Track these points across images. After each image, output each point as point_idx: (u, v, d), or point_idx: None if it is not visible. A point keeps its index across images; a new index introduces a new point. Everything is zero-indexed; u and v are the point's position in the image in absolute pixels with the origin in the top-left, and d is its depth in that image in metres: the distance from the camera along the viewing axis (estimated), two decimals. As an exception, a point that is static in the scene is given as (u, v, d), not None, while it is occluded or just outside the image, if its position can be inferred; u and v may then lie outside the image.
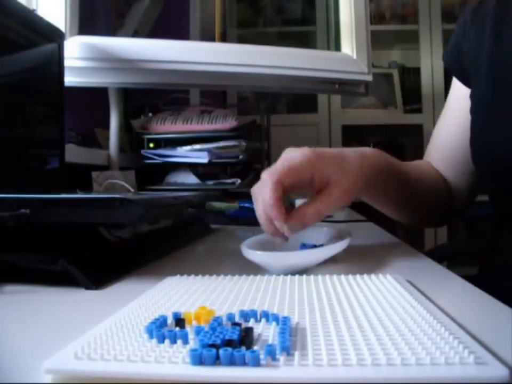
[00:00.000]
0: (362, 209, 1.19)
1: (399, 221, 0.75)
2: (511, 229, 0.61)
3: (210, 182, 1.29)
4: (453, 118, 0.73)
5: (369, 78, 1.22)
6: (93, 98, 1.25)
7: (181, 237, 0.70)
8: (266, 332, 0.28)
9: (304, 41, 2.35)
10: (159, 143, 1.33)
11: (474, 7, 0.68)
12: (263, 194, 0.50)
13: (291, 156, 0.52)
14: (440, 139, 0.76)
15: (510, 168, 0.57)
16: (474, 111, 0.65)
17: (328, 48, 1.73)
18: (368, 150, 0.59)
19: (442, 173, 0.74)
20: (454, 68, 0.72)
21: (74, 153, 1.02)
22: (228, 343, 0.24)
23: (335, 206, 0.53)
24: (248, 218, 0.99)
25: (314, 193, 0.53)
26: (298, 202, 1.20)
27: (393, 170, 0.63)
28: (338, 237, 0.55)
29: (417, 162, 0.76)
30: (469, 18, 0.68)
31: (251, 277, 0.43)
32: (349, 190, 0.54)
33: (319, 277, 0.43)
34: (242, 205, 1.09)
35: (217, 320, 0.28)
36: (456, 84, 0.72)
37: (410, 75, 2.44)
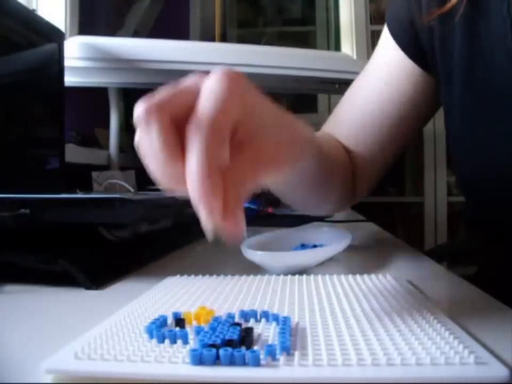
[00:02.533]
0: (362, 209, 1.19)
1: (299, 208, 0.62)
2: (509, 233, 0.60)
3: (210, 182, 1.29)
4: (368, 92, 0.63)
5: (369, 78, 1.22)
6: (93, 98, 1.25)
7: (181, 237, 0.70)
8: (266, 332, 0.28)
9: (304, 41, 2.35)
10: (159, 143, 1.33)
11: None
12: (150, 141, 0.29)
13: (220, 88, 0.30)
14: (349, 113, 0.65)
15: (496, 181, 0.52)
16: (451, 117, 0.57)
17: (328, 48, 1.73)
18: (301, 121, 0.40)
19: (349, 146, 0.63)
20: (403, 41, 0.59)
21: (74, 153, 1.02)
22: (228, 343, 0.24)
23: (271, 169, 0.33)
24: (248, 218, 0.99)
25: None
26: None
27: (312, 148, 0.46)
28: (338, 237, 0.55)
29: (325, 137, 0.63)
30: None
31: (251, 277, 0.43)
32: (286, 151, 0.34)
33: (319, 277, 0.43)
34: (242, 205, 1.09)
35: (217, 320, 0.28)
36: (390, 49, 0.60)
37: (410, 75, 2.44)
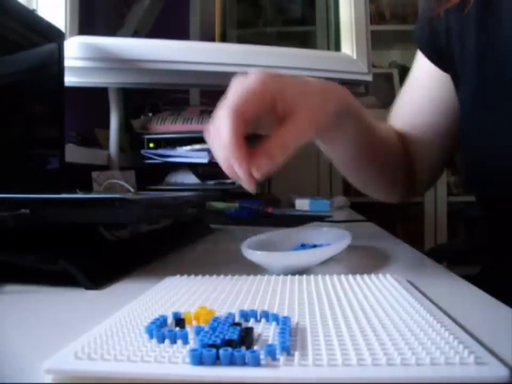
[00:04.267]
0: (362, 209, 1.20)
1: (358, 186, 0.69)
2: (509, 233, 0.61)
3: (210, 182, 1.29)
4: (417, 89, 0.70)
5: (369, 78, 1.22)
6: (93, 98, 1.25)
7: (181, 237, 0.70)
8: (266, 332, 0.28)
9: (304, 41, 2.35)
10: (159, 143, 1.33)
11: None
12: (219, 131, 0.41)
13: (244, 81, 0.43)
14: (406, 107, 0.71)
15: (503, 174, 0.55)
16: (465, 113, 0.61)
17: (328, 48, 1.73)
18: (333, 83, 0.51)
19: (406, 138, 0.69)
20: (427, 48, 0.66)
21: (74, 153, 1.02)
22: (228, 343, 0.24)
23: (304, 133, 0.44)
24: (248, 218, 0.99)
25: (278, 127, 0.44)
26: (299, 202, 1.20)
27: (361, 116, 0.55)
28: (338, 237, 0.55)
29: (384, 123, 0.70)
30: None
31: (251, 277, 0.43)
32: (318, 113, 0.45)
33: (319, 277, 0.43)
34: (242, 205, 1.09)
35: (217, 320, 0.28)
36: (422, 59, 0.68)
37: (410, 75, 2.44)
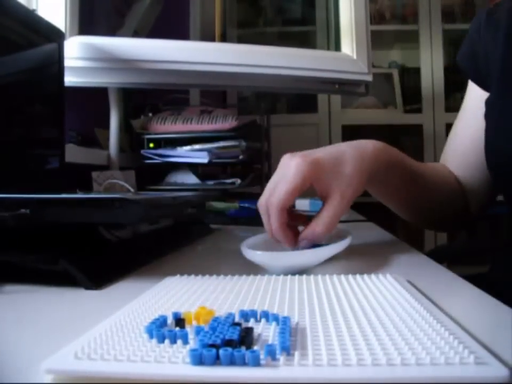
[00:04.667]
0: (362, 209, 1.19)
1: (409, 220, 0.75)
2: None
3: (210, 182, 1.29)
4: (469, 120, 0.72)
5: (369, 78, 1.22)
6: (93, 98, 1.25)
7: (181, 237, 0.70)
8: (266, 332, 0.28)
9: (304, 41, 2.35)
10: (159, 143, 1.33)
11: (489, 9, 0.67)
12: (270, 219, 0.51)
13: (287, 175, 0.51)
14: (457, 141, 0.75)
15: None
16: (487, 116, 0.65)
17: (328, 48, 1.73)
18: (370, 145, 0.58)
19: (458, 175, 0.73)
20: (470, 71, 0.71)
21: (74, 153, 1.02)
22: (228, 343, 0.24)
23: (341, 212, 0.52)
24: (248, 218, 0.99)
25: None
26: (298, 202, 1.20)
27: (405, 167, 0.62)
28: (338, 237, 0.55)
29: (432, 164, 0.75)
30: (484, 21, 0.67)
31: (251, 277, 0.43)
32: (348, 192, 0.53)
33: (319, 277, 0.43)
34: (242, 205, 1.09)
35: (217, 320, 0.28)
36: (472, 86, 0.72)
37: (410, 75, 2.44)
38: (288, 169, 0.51)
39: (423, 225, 0.78)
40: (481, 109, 0.67)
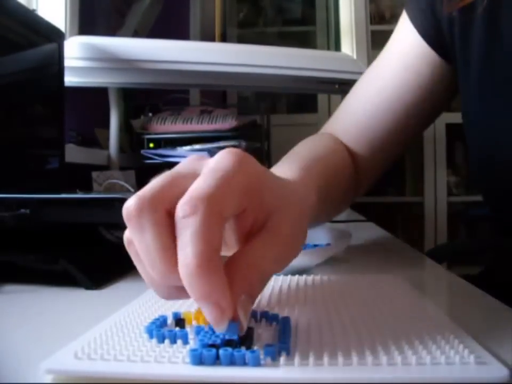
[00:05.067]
0: (362, 209, 1.19)
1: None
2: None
3: (210, 182, 1.29)
4: (390, 73, 0.63)
5: (369, 78, 1.22)
6: (93, 98, 1.25)
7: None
8: (266, 332, 0.28)
9: (304, 41, 2.35)
10: (159, 143, 1.33)
11: None
12: (182, 241, 0.25)
13: (217, 164, 0.27)
14: (363, 100, 0.64)
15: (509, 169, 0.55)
16: (467, 101, 0.57)
17: (328, 48, 1.73)
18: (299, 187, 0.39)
19: (352, 148, 0.63)
20: (426, 32, 0.60)
21: (74, 153, 1.02)
22: (228, 343, 0.24)
23: (288, 252, 0.31)
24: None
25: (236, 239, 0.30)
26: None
27: (329, 192, 0.50)
28: (338, 237, 0.55)
29: (332, 153, 0.60)
30: None
31: (251, 277, 0.43)
32: (299, 232, 0.32)
33: (319, 277, 0.43)
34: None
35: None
36: (409, 35, 0.61)
37: (410, 75, 2.44)
38: (220, 163, 0.28)
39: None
40: (405, 69, 0.60)
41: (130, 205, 0.26)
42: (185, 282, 0.24)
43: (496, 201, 0.61)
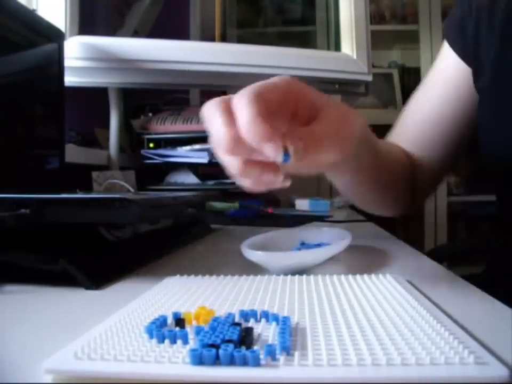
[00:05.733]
0: (362, 209, 1.19)
1: (357, 204, 0.68)
2: None
3: (210, 182, 1.29)
4: (436, 91, 0.68)
5: (369, 78, 1.22)
6: (93, 98, 1.25)
7: (181, 237, 0.70)
8: (266, 332, 0.28)
9: (304, 41, 2.35)
10: (159, 143, 1.33)
11: None
12: (236, 114, 0.34)
13: (263, 81, 0.37)
14: (416, 117, 0.70)
15: None
16: (482, 104, 0.61)
17: (328, 48, 1.73)
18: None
19: (413, 152, 0.68)
20: (456, 44, 0.66)
21: (74, 153, 1.02)
22: (228, 343, 0.24)
23: (333, 136, 0.38)
24: (248, 218, 0.99)
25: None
26: (299, 202, 1.19)
27: (377, 143, 0.55)
28: (338, 237, 0.55)
29: (387, 143, 0.69)
30: None
31: (251, 277, 0.43)
32: (348, 114, 0.40)
33: (319, 277, 0.43)
34: (242, 204, 1.09)
35: (217, 320, 0.28)
36: (447, 56, 0.67)
37: (410, 75, 2.44)
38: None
39: (371, 209, 0.69)
40: (451, 80, 0.65)
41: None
42: (245, 130, 0.33)
43: (505, 197, 0.61)
